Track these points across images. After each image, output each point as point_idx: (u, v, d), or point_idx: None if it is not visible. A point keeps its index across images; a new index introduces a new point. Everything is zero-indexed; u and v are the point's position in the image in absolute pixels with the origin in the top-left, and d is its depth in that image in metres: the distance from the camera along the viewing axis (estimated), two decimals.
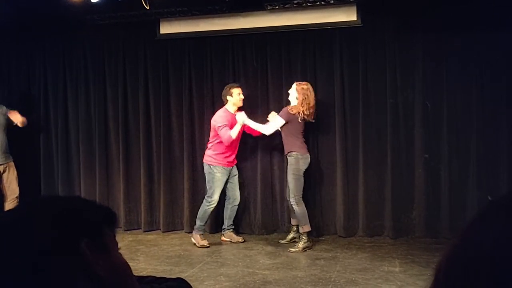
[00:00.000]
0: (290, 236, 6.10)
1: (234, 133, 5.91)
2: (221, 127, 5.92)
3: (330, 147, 6.31)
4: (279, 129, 5.95)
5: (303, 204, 5.81)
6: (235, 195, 6.21)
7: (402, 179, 6.12)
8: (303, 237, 5.78)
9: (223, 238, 6.27)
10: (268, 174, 6.49)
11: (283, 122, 5.83)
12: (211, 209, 6.04)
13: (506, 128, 5.81)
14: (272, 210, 6.52)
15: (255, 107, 6.36)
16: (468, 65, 5.88)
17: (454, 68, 5.94)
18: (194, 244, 6.04)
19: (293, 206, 5.81)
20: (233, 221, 6.31)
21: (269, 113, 6.17)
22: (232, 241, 6.18)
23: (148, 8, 5.65)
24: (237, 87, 6.09)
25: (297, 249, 5.73)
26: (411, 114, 6.10)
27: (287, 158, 5.93)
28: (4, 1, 6.03)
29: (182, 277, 1.25)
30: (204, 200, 6.11)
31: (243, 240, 6.20)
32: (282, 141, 6.07)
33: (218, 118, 6.00)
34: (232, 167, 6.17)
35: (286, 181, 6.02)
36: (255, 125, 6.00)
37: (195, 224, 6.15)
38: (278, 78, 6.43)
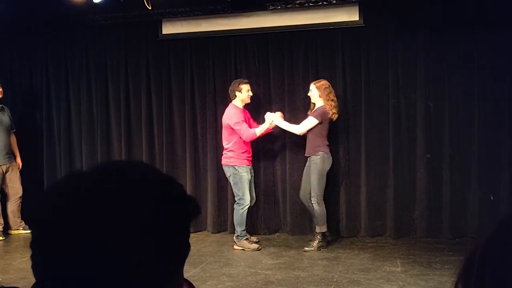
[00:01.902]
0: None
1: (259, 131, 5.83)
2: (238, 123, 5.78)
3: (332, 147, 6.29)
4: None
5: (324, 205, 5.75)
6: (250, 197, 6.07)
7: (404, 179, 6.12)
8: (318, 237, 5.74)
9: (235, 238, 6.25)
10: (270, 173, 6.48)
11: (316, 122, 5.69)
12: (246, 210, 5.87)
13: (508, 128, 5.80)
14: (275, 210, 6.52)
15: (257, 107, 6.36)
16: (470, 65, 5.87)
17: (456, 68, 5.93)
18: (243, 249, 5.84)
19: (313, 205, 5.73)
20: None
21: (269, 112, 6.05)
22: None
23: (150, 8, 5.65)
24: (246, 83, 5.96)
25: (311, 248, 5.70)
26: (413, 114, 6.10)
27: (309, 158, 5.80)
28: (6, 1, 6.04)
29: (184, 277, 1.25)
30: (235, 205, 5.92)
31: (257, 239, 6.13)
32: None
33: (231, 116, 5.85)
34: (251, 166, 6.06)
35: (304, 181, 5.87)
36: (287, 126, 5.87)
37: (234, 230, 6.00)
38: (280, 78, 6.43)
